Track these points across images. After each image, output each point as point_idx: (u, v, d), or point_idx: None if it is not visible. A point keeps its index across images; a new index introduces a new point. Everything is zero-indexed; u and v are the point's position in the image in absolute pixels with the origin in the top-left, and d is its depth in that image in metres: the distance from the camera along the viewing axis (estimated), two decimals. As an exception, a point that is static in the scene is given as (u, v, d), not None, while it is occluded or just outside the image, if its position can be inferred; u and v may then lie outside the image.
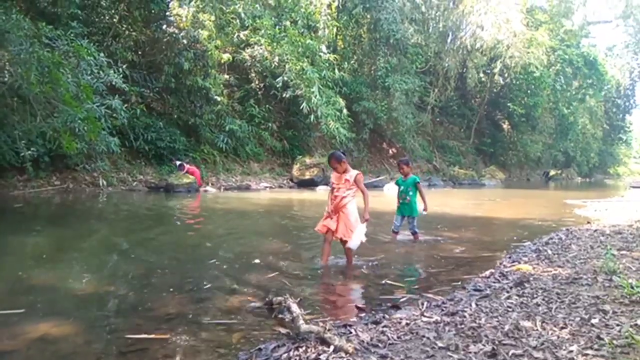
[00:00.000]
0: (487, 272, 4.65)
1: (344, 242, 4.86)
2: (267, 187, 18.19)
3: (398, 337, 2.72)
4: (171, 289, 3.98)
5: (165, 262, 5.08)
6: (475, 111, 37.92)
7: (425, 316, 3.12)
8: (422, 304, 3.48)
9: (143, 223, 8.59)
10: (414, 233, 6.52)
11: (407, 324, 2.95)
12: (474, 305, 3.42)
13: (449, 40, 32.57)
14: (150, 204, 11.57)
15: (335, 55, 22.41)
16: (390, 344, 2.63)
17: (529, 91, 35.56)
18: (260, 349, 2.61)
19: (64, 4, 12.69)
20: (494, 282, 4.26)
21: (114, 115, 11.03)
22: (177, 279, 4.31)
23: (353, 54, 27.71)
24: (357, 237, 4.74)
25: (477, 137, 37.68)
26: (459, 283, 4.28)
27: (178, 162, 15.16)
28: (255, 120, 20.17)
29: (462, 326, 2.90)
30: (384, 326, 2.92)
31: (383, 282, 4.29)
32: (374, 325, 2.95)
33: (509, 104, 35.79)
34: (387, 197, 17.53)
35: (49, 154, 11.59)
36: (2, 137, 8.98)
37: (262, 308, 3.44)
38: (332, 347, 2.47)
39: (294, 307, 2.95)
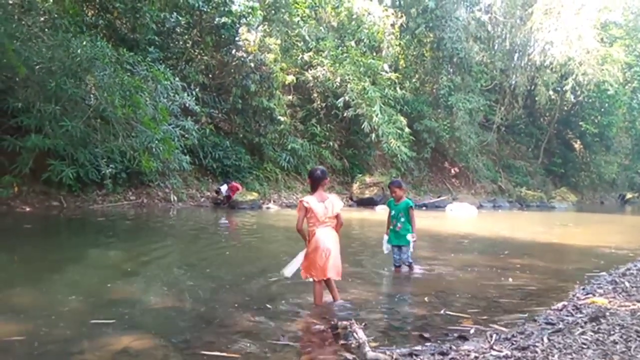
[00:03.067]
0: (560, 305, 4.45)
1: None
2: (327, 205, 18.32)
3: (467, 371, 2.69)
4: (240, 306, 4.14)
5: (232, 278, 5.30)
6: (544, 130, 36.30)
7: (494, 349, 3.05)
8: (491, 336, 3.39)
9: (211, 238, 8.97)
10: (409, 264, 5.83)
11: (476, 357, 2.90)
12: (545, 340, 3.30)
13: (516, 58, 31.60)
14: (216, 220, 12.06)
15: (397, 74, 22.41)
16: (458, 377, 2.60)
17: (602, 109, 33.62)
18: (327, 374, 2.67)
19: (142, 31, 13.67)
20: (567, 316, 4.07)
21: (186, 135, 11.66)
22: (246, 296, 4.48)
23: (415, 72, 27.57)
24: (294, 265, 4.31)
25: (547, 157, 35.98)
26: (527, 315, 4.12)
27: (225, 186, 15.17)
28: (316, 139, 20.51)
29: (534, 363, 2.81)
30: (452, 358, 2.89)
31: (442, 311, 4.22)
32: (441, 357, 2.93)
33: (581, 123, 33.99)
34: (450, 218, 17.16)
35: (125, 171, 12.40)
36: (85, 155, 9.74)
37: (328, 331, 3.51)
38: (399, 377, 2.49)
39: (360, 333, 2.99)
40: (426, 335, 3.49)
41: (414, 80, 27.11)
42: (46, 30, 9.03)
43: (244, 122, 17.69)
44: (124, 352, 3.04)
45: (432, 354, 3.00)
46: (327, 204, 4.22)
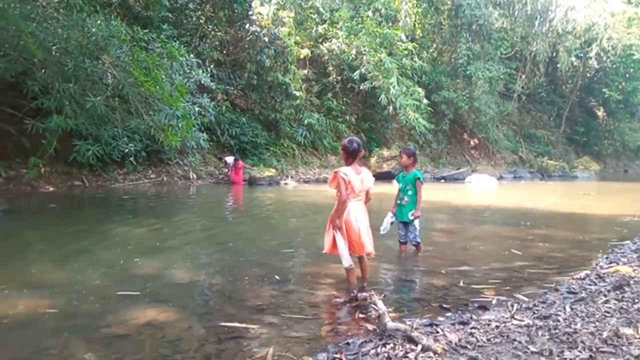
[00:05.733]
0: (582, 274, 4.41)
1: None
2: (344, 179, 18.33)
3: (488, 340, 2.69)
4: (260, 280, 4.20)
5: (252, 252, 5.37)
6: (566, 98, 35.35)
7: (515, 319, 3.05)
8: (512, 305, 3.39)
9: (230, 214, 9.07)
10: (416, 244, 5.33)
11: (497, 327, 2.90)
12: (568, 308, 3.28)
13: (537, 24, 30.54)
14: (235, 196, 12.17)
15: (413, 44, 21.94)
16: (479, 345, 2.61)
17: (627, 75, 32.45)
18: (348, 344, 2.70)
19: (155, 8, 13.58)
20: (590, 285, 4.03)
21: (203, 112, 11.68)
22: (265, 270, 4.53)
23: (432, 42, 26.96)
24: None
25: (569, 125, 35.14)
26: (552, 285, 4.09)
27: (231, 158, 15.17)
28: (332, 114, 20.36)
29: (556, 331, 2.80)
30: (473, 327, 2.89)
31: (461, 282, 4.21)
32: (462, 326, 2.94)
33: (604, 90, 32.93)
34: (469, 190, 17.00)
35: (145, 150, 12.55)
36: (107, 134, 9.85)
37: (347, 303, 3.54)
38: (419, 346, 2.50)
39: (380, 304, 3.01)
40: (446, 305, 3.50)
41: (431, 50, 26.54)
42: (61, 10, 9.03)
43: (260, 98, 17.63)
44: (149, 324, 3.13)
45: (453, 324, 3.01)
46: (362, 177, 4.11)
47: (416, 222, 5.23)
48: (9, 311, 3.26)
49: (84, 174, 11.65)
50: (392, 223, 5.31)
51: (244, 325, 3.10)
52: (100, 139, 9.74)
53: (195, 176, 14.19)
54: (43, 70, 8.72)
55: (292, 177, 17.07)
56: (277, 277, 4.31)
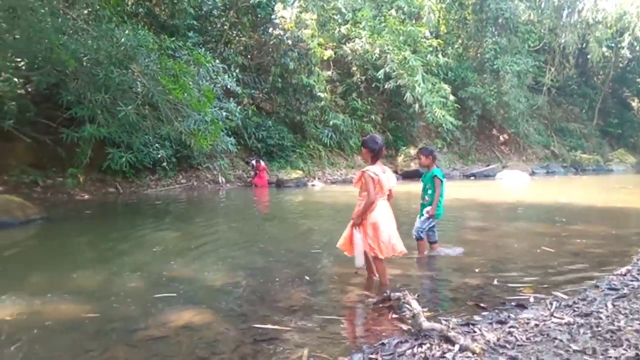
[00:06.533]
0: (623, 270, 4.27)
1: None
2: (371, 179, 18.25)
3: (527, 339, 2.63)
4: (292, 281, 4.22)
5: (283, 254, 5.40)
6: (598, 89, 34.27)
7: (555, 317, 2.97)
8: (551, 303, 3.30)
9: (259, 216, 9.15)
10: (418, 238, 5.19)
11: (537, 325, 2.83)
12: (610, 305, 3.18)
13: (565, 15, 29.76)
14: (264, 199, 12.27)
15: (438, 40, 21.66)
16: (519, 345, 2.55)
17: (663, 63, 31.25)
18: (383, 344, 2.69)
19: (181, 16, 13.83)
20: (632, 281, 3.90)
21: (229, 117, 11.82)
22: (296, 271, 4.55)
23: (457, 38, 26.56)
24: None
25: (602, 117, 34.03)
26: (592, 282, 3.97)
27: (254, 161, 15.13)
28: (357, 114, 20.29)
29: (599, 329, 2.72)
30: (511, 326, 2.83)
31: (495, 281, 4.12)
32: (500, 325, 2.88)
33: (638, 80, 31.77)
34: (500, 187, 16.67)
35: (175, 155, 12.78)
36: (139, 141, 10.08)
37: (380, 303, 3.52)
38: (457, 346, 2.47)
39: (414, 304, 2.98)
40: (482, 304, 3.44)
41: (456, 46, 26.16)
42: (90, 22, 9.29)
43: (285, 100, 17.72)
44: (186, 326, 3.18)
45: (490, 323, 2.95)
46: (387, 175, 4.08)
47: (423, 218, 5.14)
48: (53, 315, 3.37)
49: (117, 181, 11.96)
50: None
51: (277, 326, 3.12)
52: (133, 147, 9.98)
53: (224, 180, 14.37)
54: (75, 81, 8.98)
55: (319, 178, 17.09)
56: (307, 277, 4.33)
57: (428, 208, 5.11)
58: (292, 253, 5.47)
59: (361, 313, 3.49)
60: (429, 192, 5.19)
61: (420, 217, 5.22)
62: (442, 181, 5.14)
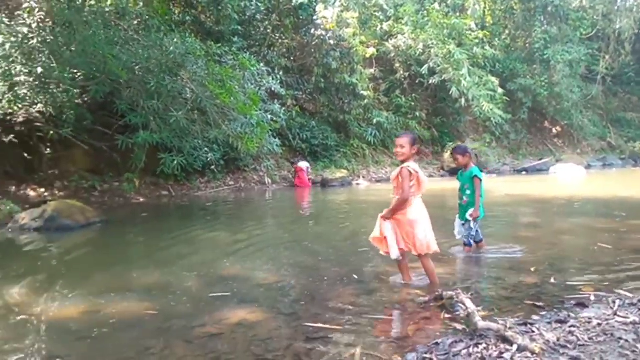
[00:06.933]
0: (694, 267, 4.00)
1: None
2: (417, 177, 18.00)
3: (589, 339, 2.52)
4: (341, 280, 4.24)
5: (331, 253, 5.43)
6: (659, 76, 32.20)
7: (619, 316, 2.83)
8: (614, 302, 3.15)
9: (305, 216, 9.24)
10: (467, 244, 5.05)
11: (599, 324, 2.71)
12: (680, 305, 2.99)
13: (619, -1, 28.15)
14: (309, 198, 12.38)
15: (484, 32, 21.07)
16: (580, 345, 2.46)
17: None
18: (437, 344, 2.65)
19: (226, 22, 14.16)
20: None
21: (274, 118, 12.00)
22: (344, 270, 4.57)
23: (504, 28, 25.72)
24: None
25: (664, 105, 31.96)
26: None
27: (304, 164, 15.17)
28: (402, 111, 20.05)
29: (669, 330, 2.57)
30: (572, 326, 2.72)
31: (552, 279, 3.97)
32: (559, 325, 2.78)
33: None
34: (555, 181, 16.02)
35: (223, 158, 13.11)
36: (190, 145, 10.42)
37: (432, 302, 3.47)
38: (515, 346, 2.40)
39: (469, 303, 2.92)
40: (540, 303, 3.32)
41: (503, 37, 25.34)
42: (140, 32, 9.67)
43: (328, 100, 17.78)
44: (240, 324, 3.26)
45: (549, 322, 2.85)
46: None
47: (472, 224, 4.92)
48: (116, 313, 3.54)
49: (170, 184, 12.41)
50: (463, 224, 5.05)
51: (328, 325, 3.13)
52: (183, 151, 10.31)
53: (270, 181, 14.59)
54: (129, 90, 9.38)
55: (363, 177, 17.03)
56: (355, 276, 4.33)
57: (471, 211, 4.91)
58: (340, 252, 5.48)
59: (412, 312, 3.45)
60: (467, 192, 5.00)
61: (460, 219, 5.05)
62: (481, 180, 4.94)
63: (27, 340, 3.08)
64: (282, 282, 4.34)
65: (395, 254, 3.88)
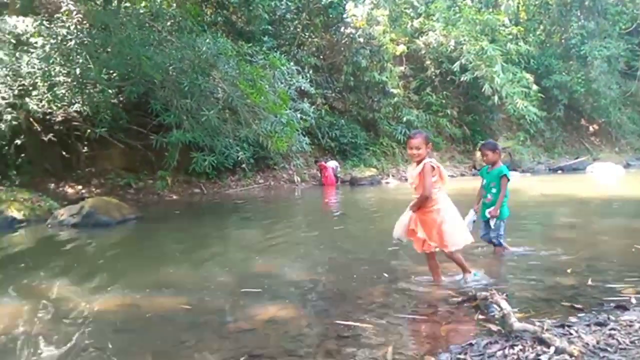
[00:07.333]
0: None
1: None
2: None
3: (631, 342, 2.44)
4: (373, 279, 4.22)
5: (362, 251, 5.43)
6: None
7: (663, 320, 2.72)
8: (658, 305, 3.04)
9: (335, 214, 9.25)
10: (497, 245, 4.89)
11: (642, 328, 2.61)
12: None
13: (663, -10, 26.98)
14: (338, 197, 12.39)
15: (518, 27, 20.56)
16: (621, 348, 2.38)
17: None
18: (471, 344, 2.61)
19: (256, 22, 14.30)
20: None
21: (303, 117, 12.05)
22: (374, 268, 4.55)
23: (539, 24, 25.00)
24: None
25: None
26: None
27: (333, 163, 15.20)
28: (432, 109, 19.80)
29: None
30: (612, 329, 2.64)
31: (589, 281, 3.85)
32: (599, 328, 2.69)
33: None
34: (592, 180, 15.54)
35: (253, 157, 13.25)
36: (221, 144, 10.59)
37: (466, 303, 3.42)
38: (552, 349, 2.34)
39: (504, 304, 2.86)
40: (578, 305, 3.23)
41: (538, 32, 24.62)
42: (173, 33, 9.86)
43: (357, 99, 17.73)
44: (272, 320, 3.29)
45: (588, 325, 2.77)
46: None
47: (491, 222, 4.77)
48: (152, 307, 3.64)
49: (201, 182, 12.64)
50: (474, 222, 4.86)
51: (359, 324, 3.12)
52: (215, 149, 10.48)
53: (299, 179, 14.67)
54: (162, 90, 9.59)
55: (393, 175, 16.90)
56: (385, 274, 4.31)
57: (491, 209, 4.77)
58: (369, 250, 5.47)
59: (444, 312, 3.41)
60: (493, 190, 4.83)
61: (485, 219, 4.90)
62: (509, 180, 4.80)
63: (67, 331, 3.19)
64: (312, 279, 4.36)
65: (397, 234, 4.01)
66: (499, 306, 2.89)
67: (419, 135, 3.88)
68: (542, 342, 2.43)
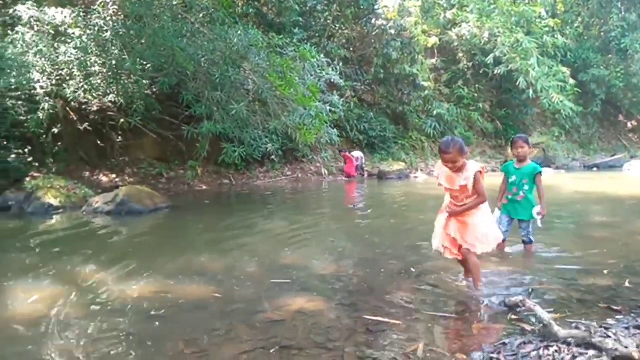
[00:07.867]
0: None
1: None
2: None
3: (674, 348, 2.34)
4: (401, 274, 4.19)
5: (390, 246, 5.38)
6: None
7: None
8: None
9: (364, 208, 9.21)
10: (528, 243, 4.78)
11: (685, 334, 2.51)
12: None
13: None
14: (365, 190, 12.33)
15: (555, 20, 19.92)
16: (664, 354, 2.28)
17: None
18: (505, 344, 2.56)
19: (287, 14, 14.29)
20: None
21: (332, 109, 12.01)
22: (403, 264, 4.51)
23: (577, 16, 24.18)
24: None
25: None
26: None
27: (358, 153, 15.17)
28: (464, 102, 19.46)
29: None
30: (653, 333, 2.54)
31: (626, 283, 3.71)
32: (638, 331, 2.60)
33: None
34: (629, 178, 15.01)
35: (281, 149, 13.31)
36: (250, 136, 10.67)
37: (497, 304, 3.35)
38: (590, 352, 2.27)
39: (539, 310, 2.78)
40: (616, 307, 3.13)
41: (576, 25, 23.84)
42: (206, 24, 9.94)
43: (387, 91, 17.56)
44: (301, 312, 3.30)
45: (627, 328, 2.68)
46: None
47: (538, 221, 4.64)
48: (183, 294, 3.71)
49: (231, 173, 12.80)
50: (520, 222, 4.77)
51: (389, 319, 3.10)
52: (244, 141, 10.55)
53: (327, 172, 14.66)
54: (194, 81, 9.70)
55: (421, 170, 16.71)
56: (413, 270, 4.28)
57: (538, 208, 4.60)
58: (397, 245, 5.42)
59: (476, 310, 3.36)
60: (525, 188, 4.65)
61: (514, 217, 4.77)
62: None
63: (100, 316, 3.28)
64: (340, 272, 4.35)
65: (436, 245, 3.87)
66: (534, 313, 2.80)
67: (452, 148, 3.48)
68: (592, 346, 2.34)
